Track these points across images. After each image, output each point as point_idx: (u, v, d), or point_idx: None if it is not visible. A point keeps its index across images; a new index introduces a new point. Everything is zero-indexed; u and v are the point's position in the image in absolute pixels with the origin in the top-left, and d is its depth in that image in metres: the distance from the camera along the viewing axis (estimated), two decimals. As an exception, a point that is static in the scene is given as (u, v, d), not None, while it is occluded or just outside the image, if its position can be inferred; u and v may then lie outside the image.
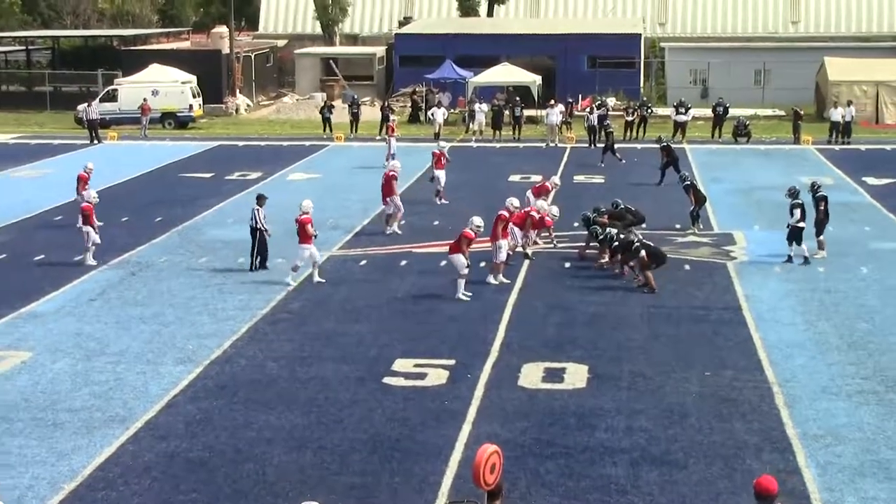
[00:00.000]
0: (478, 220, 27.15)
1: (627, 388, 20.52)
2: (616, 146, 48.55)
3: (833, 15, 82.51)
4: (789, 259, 29.75)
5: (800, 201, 29.77)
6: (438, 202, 38.22)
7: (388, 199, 34.07)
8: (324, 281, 28.06)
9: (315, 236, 28.00)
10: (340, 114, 60.37)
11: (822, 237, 30.46)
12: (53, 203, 38.69)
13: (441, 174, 38.75)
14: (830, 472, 16.85)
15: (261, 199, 29.57)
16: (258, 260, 29.38)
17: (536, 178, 43.32)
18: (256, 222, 29.13)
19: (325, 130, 57.33)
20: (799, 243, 29.70)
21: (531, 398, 20.00)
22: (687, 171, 39.72)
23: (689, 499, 15.94)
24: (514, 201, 29.59)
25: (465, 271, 26.49)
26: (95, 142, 55.29)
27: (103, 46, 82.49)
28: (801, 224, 29.59)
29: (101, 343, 23.17)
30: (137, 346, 22.95)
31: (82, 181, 34.91)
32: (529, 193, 34.23)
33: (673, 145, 44.58)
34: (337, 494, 15.93)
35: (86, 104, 58.78)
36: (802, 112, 56.27)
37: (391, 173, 34.49)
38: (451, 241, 27.35)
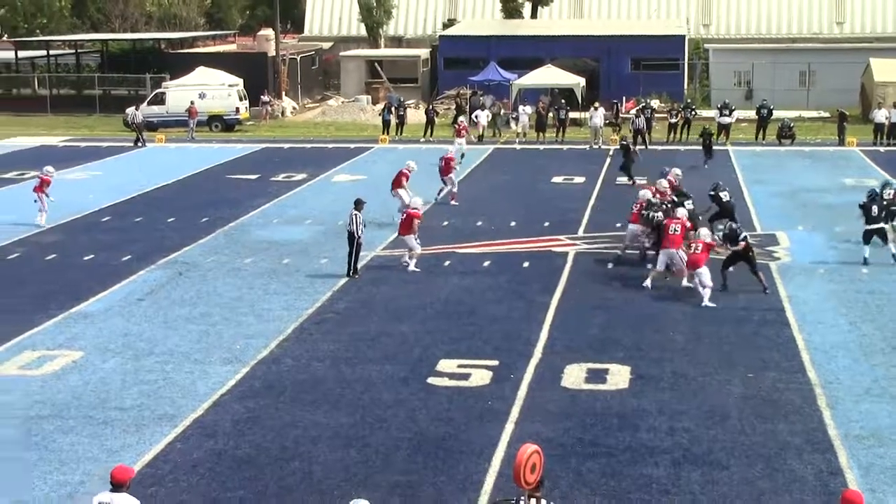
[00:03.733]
0: None
1: (670, 388, 20.54)
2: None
3: (879, 15, 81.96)
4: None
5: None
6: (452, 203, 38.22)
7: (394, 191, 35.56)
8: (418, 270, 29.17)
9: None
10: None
11: None
12: (101, 204, 39.08)
13: (452, 177, 38.84)
14: (873, 474, 16.82)
15: (359, 205, 29.09)
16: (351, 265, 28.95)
17: (580, 179, 43.46)
18: (355, 227, 28.68)
19: (384, 132, 57.59)
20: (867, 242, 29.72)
21: (574, 398, 20.06)
22: (731, 174, 39.49)
23: (730, 499, 15.95)
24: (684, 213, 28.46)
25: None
26: (140, 144, 55.69)
27: (151, 49, 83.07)
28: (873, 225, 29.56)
29: (150, 343, 23.39)
30: (185, 346, 23.16)
31: (45, 184, 35.89)
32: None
33: (716, 147, 44.61)
34: (381, 492, 16.04)
35: (133, 107, 59.29)
36: (848, 114, 56.07)
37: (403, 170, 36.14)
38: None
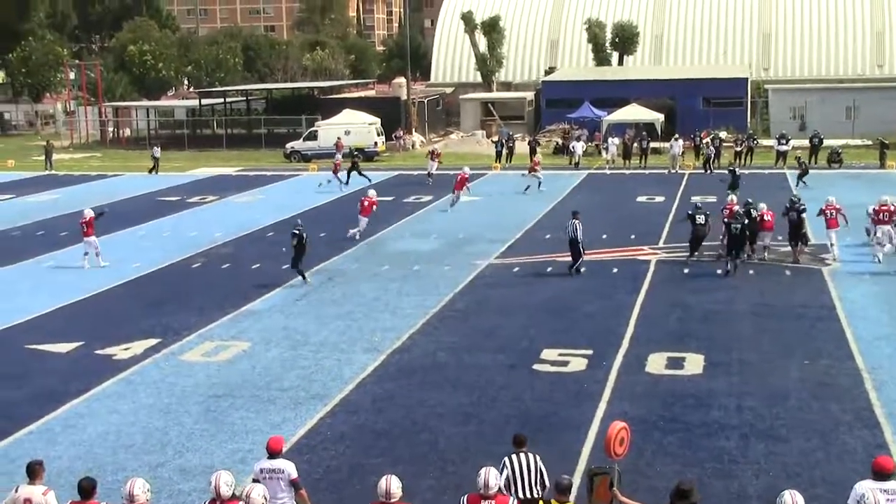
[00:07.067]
0: None
1: (738, 373, 20.08)
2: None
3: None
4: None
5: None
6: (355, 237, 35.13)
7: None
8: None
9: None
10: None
11: None
12: (266, 222, 39.44)
13: (364, 220, 35.19)
14: (914, 447, 16.27)
15: (576, 214, 28.99)
16: (574, 267, 28.72)
17: (660, 198, 42.85)
18: (576, 235, 28.49)
19: (496, 160, 57.48)
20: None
21: (656, 382, 19.71)
22: (788, 193, 38.53)
23: (790, 468, 15.50)
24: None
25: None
26: (154, 172, 56.99)
27: (306, 96, 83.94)
28: None
29: (305, 335, 23.48)
30: (333, 338, 23.20)
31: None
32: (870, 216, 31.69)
33: (774, 171, 43.63)
34: (494, 461, 15.81)
35: (158, 145, 61.38)
36: (887, 141, 54.73)
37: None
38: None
